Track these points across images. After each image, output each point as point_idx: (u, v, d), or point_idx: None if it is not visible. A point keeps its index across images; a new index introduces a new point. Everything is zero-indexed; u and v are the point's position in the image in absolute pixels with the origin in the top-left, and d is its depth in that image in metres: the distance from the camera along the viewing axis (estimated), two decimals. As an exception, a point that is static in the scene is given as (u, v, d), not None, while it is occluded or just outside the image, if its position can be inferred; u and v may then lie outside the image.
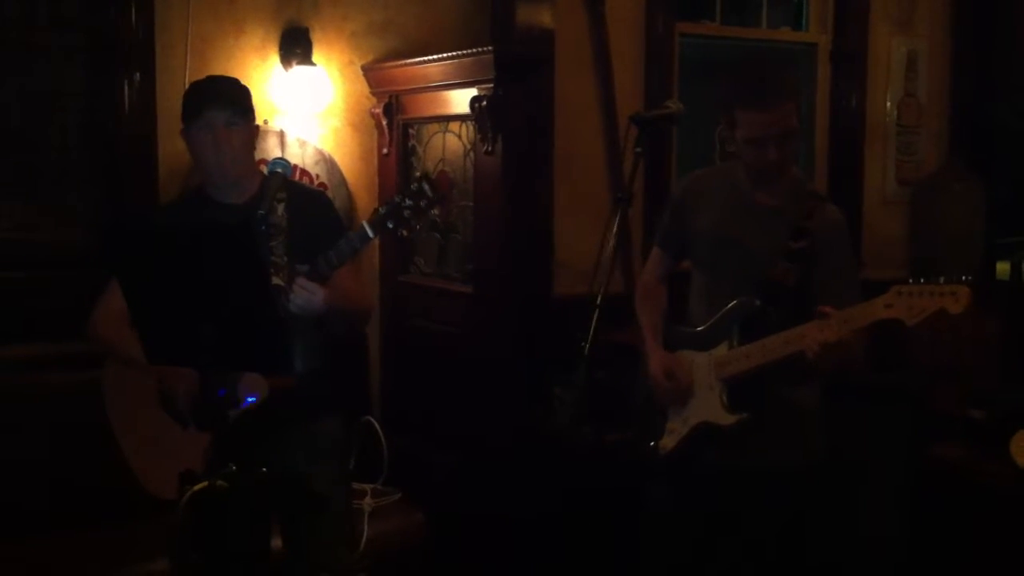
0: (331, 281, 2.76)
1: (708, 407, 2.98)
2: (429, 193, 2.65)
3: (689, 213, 3.12)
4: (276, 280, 2.76)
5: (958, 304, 2.60)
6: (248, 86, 3.01)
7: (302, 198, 2.97)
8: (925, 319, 2.65)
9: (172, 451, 2.77)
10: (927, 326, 2.66)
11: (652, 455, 3.09)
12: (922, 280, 2.65)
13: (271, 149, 4.24)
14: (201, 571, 2.39)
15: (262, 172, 3.02)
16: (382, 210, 2.67)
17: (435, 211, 2.67)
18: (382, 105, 4.51)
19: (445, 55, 4.13)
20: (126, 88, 4.07)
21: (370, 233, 2.67)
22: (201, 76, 4.11)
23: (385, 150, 4.56)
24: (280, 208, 2.88)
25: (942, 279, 2.62)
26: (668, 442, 3.06)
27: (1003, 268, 5.50)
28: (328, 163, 4.44)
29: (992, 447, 3.92)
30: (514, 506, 3.94)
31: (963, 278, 2.61)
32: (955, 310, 2.60)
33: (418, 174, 2.55)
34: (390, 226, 2.66)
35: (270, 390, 2.72)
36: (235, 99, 2.93)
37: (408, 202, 2.64)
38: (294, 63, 4.30)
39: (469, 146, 4.20)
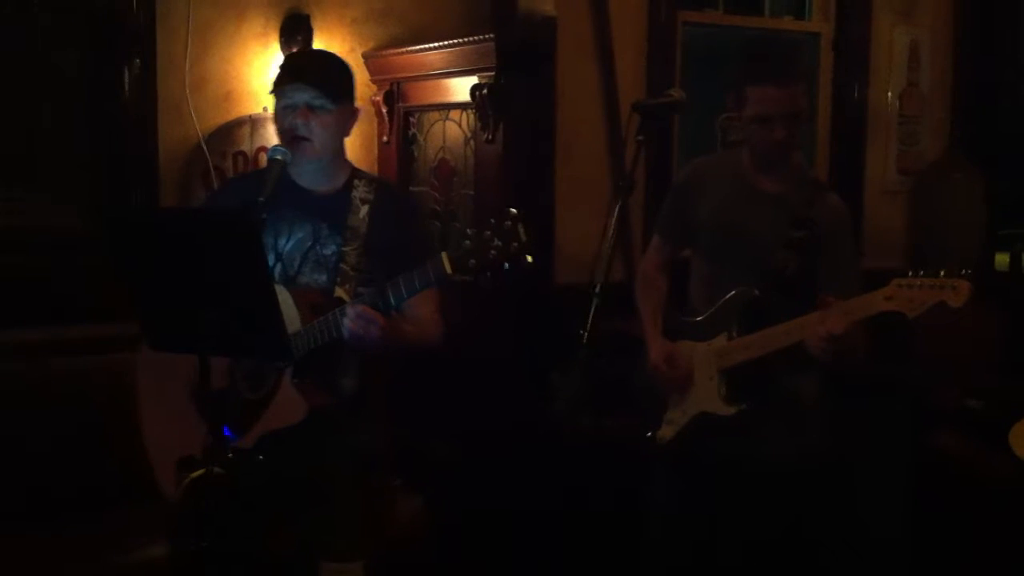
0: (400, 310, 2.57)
1: (707, 398, 2.98)
2: (522, 236, 2.31)
3: (691, 200, 3.12)
4: (340, 292, 2.66)
5: (959, 298, 2.60)
6: (339, 65, 2.82)
7: (390, 203, 2.81)
8: (925, 312, 2.64)
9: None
10: (927, 319, 2.66)
11: (650, 445, 3.09)
12: (922, 272, 2.65)
13: (271, 136, 4.23)
14: (199, 557, 2.38)
15: (351, 163, 2.90)
16: (467, 244, 2.34)
17: (527, 258, 2.31)
18: (382, 93, 4.50)
19: (446, 43, 4.12)
20: (126, 74, 4.06)
21: (448, 268, 2.36)
22: (201, 62, 4.19)
23: (385, 138, 4.55)
24: (363, 210, 2.75)
25: (942, 272, 2.62)
26: (666, 432, 3.05)
27: (1002, 259, 5.50)
28: (328, 150, 4.42)
29: (991, 438, 3.92)
30: (512, 497, 3.94)
31: (963, 271, 2.60)
32: (955, 303, 2.60)
33: (513, 211, 2.31)
34: (472, 263, 2.33)
35: (308, 410, 2.62)
36: (324, 78, 2.71)
37: (497, 242, 2.31)
38: (295, 50, 4.28)
39: (470, 134, 4.19)
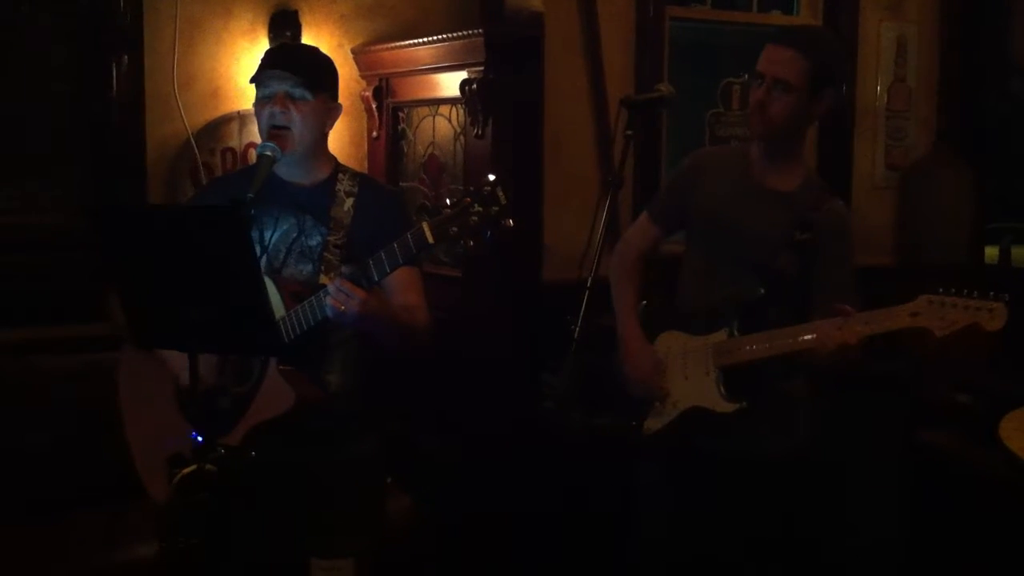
0: (382, 288, 2.56)
1: (702, 392, 2.93)
2: (502, 199, 2.29)
3: (694, 188, 3.06)
4: (324, 280, 2.64)
5: (995, 322, 2.53)
6: (320, 56, 2.81)
7: (374, 196, 2.80)
8: (956, 332, 2.58)
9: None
10: (955, 339, 2.60)
11: (635, 436, 3.06)
12: (952, 291, 2.59)
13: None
14: (189, 554, 2.37)
15: (334, 157, 2.88)
16: (447, 212, 2.32)
17: (508, 221, 2.31)
18: (372, 88, 4.49)
19: (435, 38, 4.11)
20: (114, 71, 4.04)
21: (429, 238, 2.33)
22: (189, 59, 4.18)
23: (375, 133, 4.55)
24: (348, 203, 2.75)
25: (976, 293, 2.57)
26: (653, 424, 3.01)
27: (991, 253, 5.52)
28: (317, 146, 4.41)
29: (980, 432, 3.93)
30: (504, 494, 3.94)
31: (999, 295, 2.56)
32: (991, 328, 2.54)
33: (492, 178, 2.31)
34: (454, 230, 2.32)
35: (297, 403, 2.61)
36: (302, 67, 2.69)
37: (477, 207, 2.30)
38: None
39: (459, 129, 4.19)
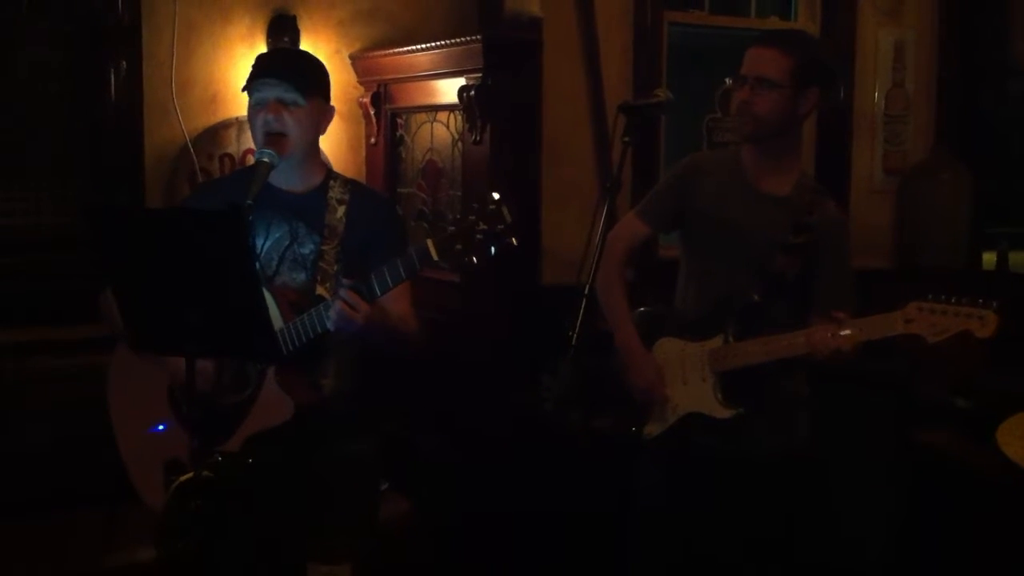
0: (378, 300, 2.56)
1: (700, 398, 2.94)
2: (507, 218, 2.31)
3: (690, 190, 3.05)
4: (321, 290, 2.66)
5: (986, 329, 2.54)
6: (310, 60, 2.81)
7: (366, 203, 2.80)
8: (948, 339, 2.60)
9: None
10: (947, 344, 2.61)
11: (635, 440, 3.06)
12: (943, 297, 2.61)
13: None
14: (186, 560, 2.38)
15: (325, 163, 2.88)
16: (451, 230, 2.34)
17: (512, 240, 2.34)
18: (370, 94, 4.50)
19: (433, 44, 4.12)
20: (112, 75, 4.05)
21: (434, 254, 2.36)
22: (187, 64, 4.20)
23: (373, 140, 4.56)
24: (340, 211, 2.75)
25: (964, 299, 2.58)
26: (654, 428, 3.02)
27: (989, 258, 5.52)
28: (316, 152, 4.42)
29: (976, 435, 3.93)
30: (502, 496, 3.94)
31: (988, 301, 2.57)
32: (983, 335, 2.54)
33: (496, 196, 2.34)
34: (458, 247, 2.34)
35: (295, 407, 2.61)
36: (293, 72, 2.69)
37: (482, 225, 2.32)
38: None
39: (457, 136, 4.20)
